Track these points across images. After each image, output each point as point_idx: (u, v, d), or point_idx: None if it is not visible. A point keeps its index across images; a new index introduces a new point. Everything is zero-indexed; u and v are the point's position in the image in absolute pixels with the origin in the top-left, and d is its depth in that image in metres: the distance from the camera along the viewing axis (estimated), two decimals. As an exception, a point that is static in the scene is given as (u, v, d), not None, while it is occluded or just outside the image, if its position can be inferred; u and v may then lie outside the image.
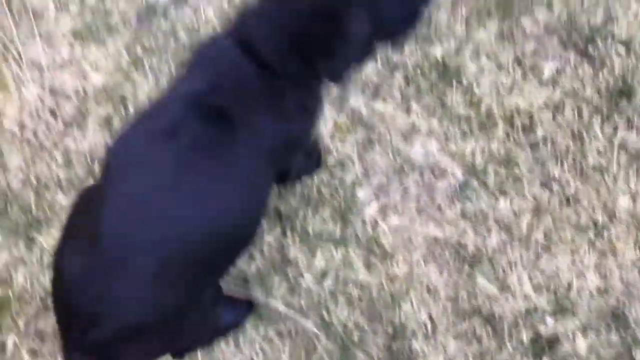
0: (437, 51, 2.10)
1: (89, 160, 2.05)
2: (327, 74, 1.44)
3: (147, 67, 2.12)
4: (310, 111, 1.51)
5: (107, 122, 2.09)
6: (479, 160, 2.04)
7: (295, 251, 1.91)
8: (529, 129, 2.07)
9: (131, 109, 2.08)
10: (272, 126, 1.39)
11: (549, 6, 2.12)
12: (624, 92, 2.08)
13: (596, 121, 2.07)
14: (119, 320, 1.28)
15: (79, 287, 1.27)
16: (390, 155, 2.04)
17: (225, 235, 1.35)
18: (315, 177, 1.99)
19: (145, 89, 2.10)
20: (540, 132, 2.06)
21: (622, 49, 2.11)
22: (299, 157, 1.75)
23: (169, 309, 1.32)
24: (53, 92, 2.13)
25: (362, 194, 2.00)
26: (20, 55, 2.15)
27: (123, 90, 2.11)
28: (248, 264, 1.87)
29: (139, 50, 2.13)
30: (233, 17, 1.48)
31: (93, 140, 2.07)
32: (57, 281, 1.35)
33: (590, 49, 2.11)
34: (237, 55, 1.38)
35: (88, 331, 1.27)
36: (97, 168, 2.03)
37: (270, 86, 1.39)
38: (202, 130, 1.30)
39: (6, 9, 2.18)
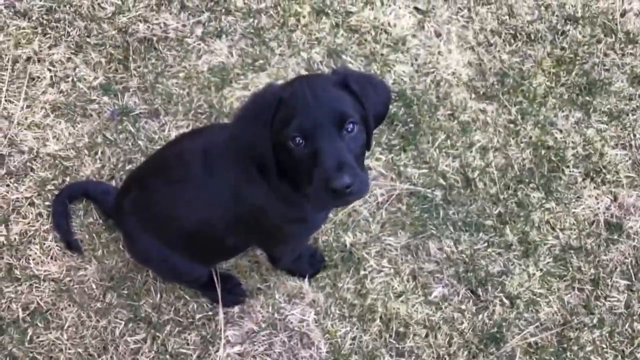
0: (348, 239, 2.31)
1: (10, 208, 2.22)
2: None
3: (99, 154, 2.34)
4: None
5: (43, 184, 2.27)
6: (347, 345, 2.16)
7: None
8: (401, 336, 2.21)
9: (67, 181, 2.27)
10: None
11: (457, 242, 2.36)
12: (496, 339, 2.25)
13: (462, 354, 2.22)
14: None
15: None
16: (270, 308, 2.17)
17: None
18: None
19: (87, 172, 2.30)
20: (409, 344, 2.20)
21: (506, 301, 2.31)
22: (303, 256, 2.18)
23: None
24: (11, 143, 2.33)
25: (230, 333, 2.11)
26: (-1, 103, 2.39)
27: (69, 164, 2.31)
28: None
29: (99, 138, 2.36)
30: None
31: (24, 194, 2.26)
32: None
33: (480, 290, 2.31)
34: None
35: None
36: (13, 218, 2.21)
37: None
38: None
39: (9, 66, 2.45)
